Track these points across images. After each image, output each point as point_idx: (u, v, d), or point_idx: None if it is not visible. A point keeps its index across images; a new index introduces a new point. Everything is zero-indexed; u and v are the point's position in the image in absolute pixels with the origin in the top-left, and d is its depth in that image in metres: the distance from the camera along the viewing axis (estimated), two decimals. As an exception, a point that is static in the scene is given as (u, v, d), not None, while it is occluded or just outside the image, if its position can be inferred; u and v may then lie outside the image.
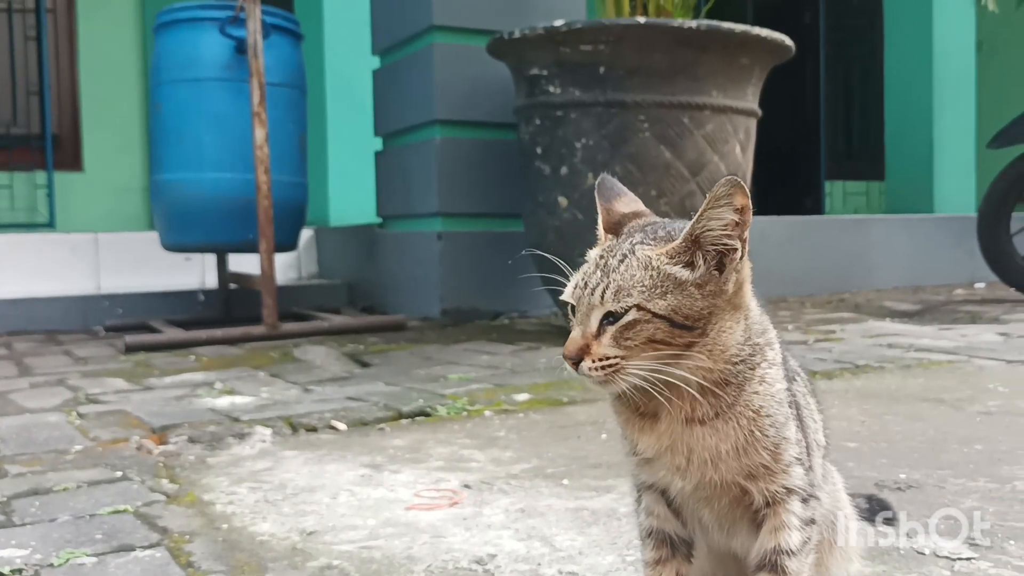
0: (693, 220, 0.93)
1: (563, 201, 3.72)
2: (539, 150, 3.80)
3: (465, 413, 2.57)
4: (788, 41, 3.76)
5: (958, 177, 7.15)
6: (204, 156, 4.21)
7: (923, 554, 1.44)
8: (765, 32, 3.66)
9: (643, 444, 0.99)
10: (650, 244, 0.95)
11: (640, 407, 0.98)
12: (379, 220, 5.03)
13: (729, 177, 0.92)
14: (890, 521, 1.48)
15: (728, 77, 3.69)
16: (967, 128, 7.15)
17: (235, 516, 1.68)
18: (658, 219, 1.03)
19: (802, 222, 6.03)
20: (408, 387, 2.89)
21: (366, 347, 3.78)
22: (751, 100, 3.83)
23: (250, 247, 4.16)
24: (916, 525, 1.56)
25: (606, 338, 0.93)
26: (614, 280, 0.93)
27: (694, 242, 0.93)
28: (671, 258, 0.93)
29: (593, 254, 0.99)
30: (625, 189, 1.09)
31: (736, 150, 3.77)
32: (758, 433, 0.96)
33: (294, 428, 2.40)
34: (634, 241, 0.96)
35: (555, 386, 2.88)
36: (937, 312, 4.99)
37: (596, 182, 1.09)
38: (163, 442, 2.26)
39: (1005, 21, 7.43)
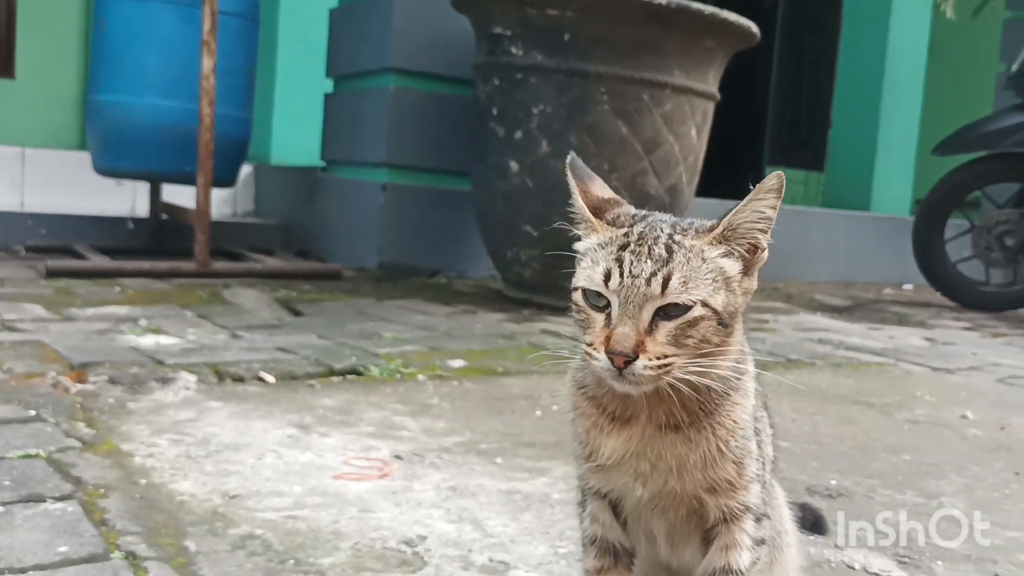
0: (735, 209, 0.90)
1: (514, 166, 3.65)
2: (495, 111, 3.72)
3: (398, 376, 2.51)
4: (754, 28, 3.73)
5: (897, 178, 7.26)
6: (146, 80, 4.03)
7: (853, 568, 1.45)
8: (733, 16, 3.62)
9: (608, 448, 0.95)
10: (683, 232, 0.90)
11: (613, 409, 0.94)
12: (322, 163, 4.90)
13: (778, 173, 0.89)
14: (821, 530, 1.48)
15: (692, 57, 3.65)
16: (911, 131, 7.25)
17: (154, 471, 1.61)
18: (639, 211, 0.98)
19: (743, 208, 6.06)
20: (340, 342, 2.82)
21: (299, 294, 3.68)
22: (711, 83, 3.80)
23: (186, 179, 4.01)
24: (846, 535, 1.57)
25: (662, 335, 0.86)
26: (677, 270, 0.87)
27: (731, 232, 0.90)
28: (717, 249, 0.89)
29: (602, 240, 0.92)
30: (592, 173, 1.02)
31: (692, 132, 3.74)
32: (730, 445, 0.93)
33: (220, 376, 2.32)
34: (667, 230, 0.90)
35: (490, 354, 2.85)
36: (866, 310, 5.08)
37: (568, 160, 1.01)
38: (81, 380, 2.16)
39: (958, 29, 7.53)
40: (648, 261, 0.87)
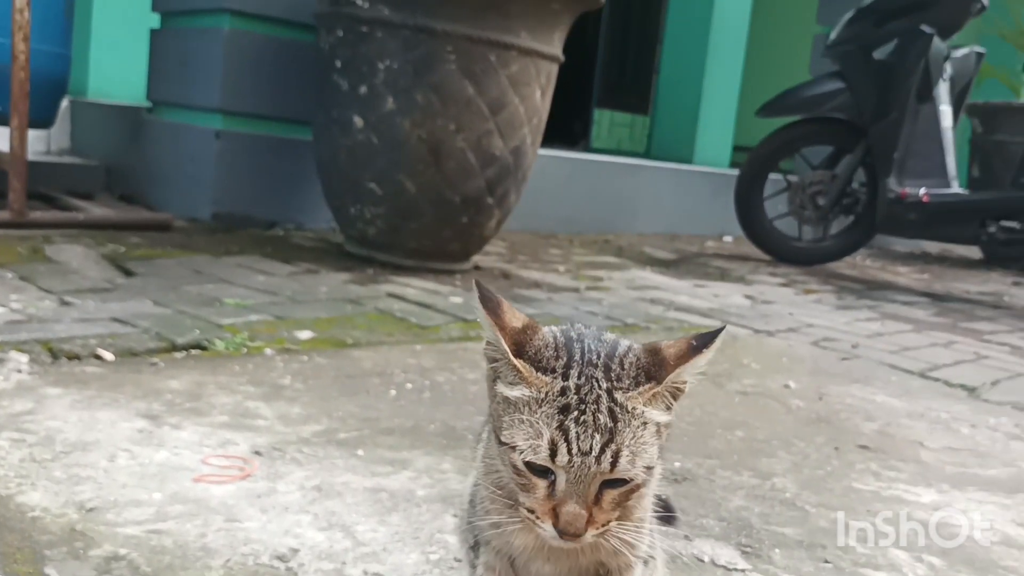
0: (679, 368, 0.88)
1: (359, 121, 3.58)
2: (338, 63, 3.62)
3: (245, 350, 2.45)
4: (601, -9, 3.77)
5: (718, 132, 7.56)
6: (-50, 13, 3.66)
7: (703, 561, 1.55)
8: (580, -20, 3.65)
9: (519, 542, 0.96)
10: (623, 388, 0.86)
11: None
12: (148, 103, 4.62)
13: (720, 328, 0.90)
14: (671, 522, 1.57)
15: (538, 20, 3.66)
16: (732, 86, 7.54)
17: (-2, 480, 1.52)
18: (556, 331, 0.93)
19: (577, 161, 6.18)
20: (180, 310, 2.71)
21: (128, 249, 3.50)
22: (556, 46, 3.83)
23: (-2, 119, 3.70)
24: (694, 525, 1.68)
25: (607, 502, 0.85)
26: (624, 445, 0.84)
27: (669, 386, 0.88)
28: (659, 404, 0.87)
29: (536, 395, 0.86)
30: (496, 295, 0.94)
31: (536, 94, 3.77)
32: (632, 536, 0.97)
33: (55, 355, 2.19)
34: (606, 386, 0.85)
35: (338, 323, 2.82)
36: (691, 264, 5.33)
37: (475, 290, 0.93)
38: None
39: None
40: (595, 435, 0.83)
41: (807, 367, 3.05)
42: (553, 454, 0.83)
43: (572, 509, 0.84)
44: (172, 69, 4.41)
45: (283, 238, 4.19)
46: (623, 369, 0.88)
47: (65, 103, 4.96)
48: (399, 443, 1.92)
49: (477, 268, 4.07)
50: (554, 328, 0.95)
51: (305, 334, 2.65)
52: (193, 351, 2.39)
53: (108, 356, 2.25)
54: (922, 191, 5.11)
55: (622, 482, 0.85)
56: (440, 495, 1.67)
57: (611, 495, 0.86)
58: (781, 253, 5.72)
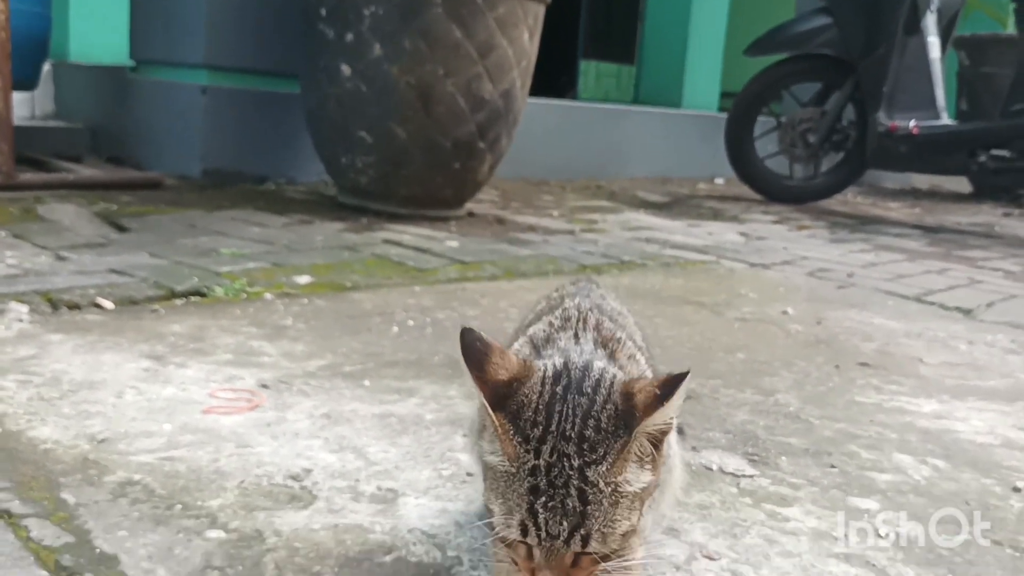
0: (644, 421, 0.83)
1: (346, 70, 3.55)
2: (323, 12, 3.58)
3: (244, 295, 2.45)
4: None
5: (706, 76, 7.52)
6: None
7: (711, 470, 1.57)
8: (564, -83, 3.61)
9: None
10: (595, 461, 0.82)
11: None
12: (131, 63, 4.57)
13: (685, 373, 0.86)
14: (679, 433, 1.59)
15: (524, -41, 3.62)
16: (719, 30, 7.49)
17: (8, 417, 1.52)
18: (547, 376, 0.88)
19: (566, 108, 6.15)
20: (177, 261, 2.71)
21: (120, 207, 3.48)
22: (543, -14, 3.79)
23: (-20, 82, 3.65)
24: (700, 438, 1.70)
25: (587, 563, 0.83)
26: (594, 528, 0.81)
27: (638, 438, 0.84)
28: (631, 470, 0.84)
29: (509, 469, 0.83)
30: (488, 340, 0.90)
31: (524, 36, 3.74)
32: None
33: (54, 305, 2.19)
34: (576, 463, 0.81)
35: (336, 268, 2.82)
36: (684, 206, 5.33)
37: (460, 340, 0.89)
38: None
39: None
40: (564, 521, 0.81)
41: (804, 295, 3.06)
42: (524, 533, 0.82)
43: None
44: (154, 26, 4.36)
45: (275, 192, 4.17)
46: (599, 432, 0.83)
47: (47, 67, 4.91)
48: (404, 374, 1.93)
49: (471, 214, 4.06)
50: (547, 370, 0.88)
51: (304, 279, 2.65)
52: (193, 298, 2.39)
53: (108, 304, 2.25)
54: (912, 123, 5.10)
55: (604, 559, 0.83)
56: (448, 419, 1.69)
57: (589, 558, 0.83)
58: (773, 192, 5.72)
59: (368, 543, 1.22)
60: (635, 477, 0.84)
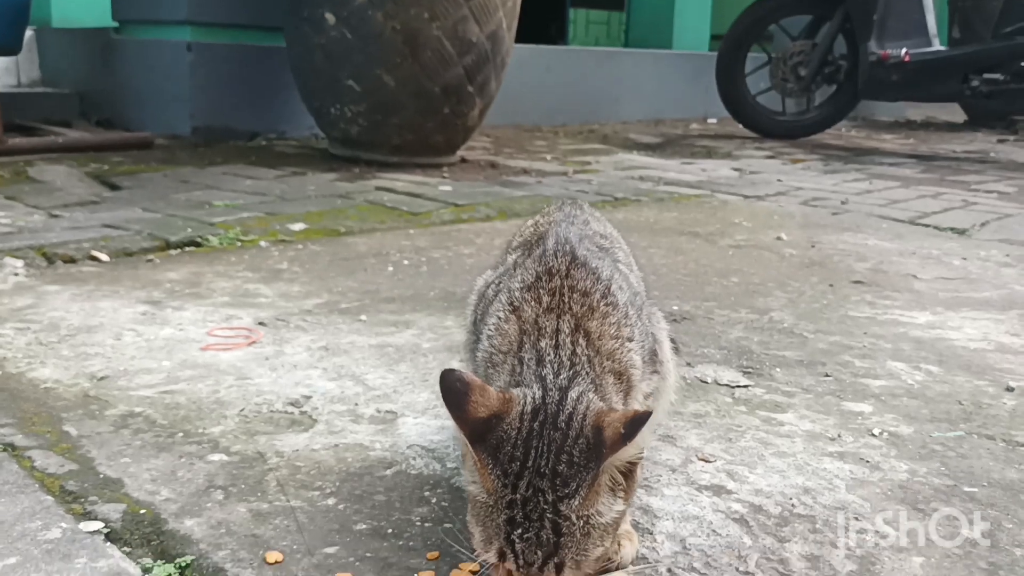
0: (608, 457, 0.84)
1: (331, 18, 3.52)
2: (304, -40, 3.54)
3: (239, 244, 2.46)
4: None
5: (695, 16, 7.45)
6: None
7: (706, 383, 1.59)
8: None
9: None
10: (567, 495, 0.84)
11: None
12: (114, 24, 4.53)
13: (648, 413, 0.86)
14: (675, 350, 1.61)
15: None
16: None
17: (7, 361, 1.54)
18: (526, 412, 0.88)
19: (555, 52, 6.10)
20: (170, 214, 2.71)
21: (111, 167, 3.47)
22: (525, -76, 3.75)
23: (-36, 48, 3.63)
24: (695, 354, 1.71)
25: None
26: (567, 557, 0.84)
27: (606, 470, 0.86)
28: (600, 501, 0.86)
29: (488, 500, 0.86)
30: (468, 375, 0.91)
31: (509, -25, 3.70)
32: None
33: (49, 259, 2.20)
34: (550, 498, 0.83)
35: (329, 215, 2.82)
36: (677, 146, 5.31)
37: (441, 382, 0.90)
38: None
39: None
40: (538, 551, 0.83)
41: (798, 222, 3.07)
42: (502, 559, 0.85)
43: None
44: (135, -15, 4.31)
45: (266, 147, 4.16)
46: (571, 467, 0.85)
47: (30, 33, 4.87)
48: (401, 308, 1.94)
49: (463, 161, 4.05)
50: (526, 405, 0.89)
51: (298, 226, 2.65)
52: (188, 248, 2.40)
53: (103, 257, 2.26)
54: (903, 51, 5.05)
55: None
56: (445, 346, 1.70)
57: (567, 571, 0.85)
58: (766, 128, 5.70)
59: (369, 460, 1.24)
60: (607, 508, 0.87)
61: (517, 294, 1.01)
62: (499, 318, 1.01)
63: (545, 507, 0.84)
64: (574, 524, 0.84)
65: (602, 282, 1.01)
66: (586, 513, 0.85)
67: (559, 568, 0.84)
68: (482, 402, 0.89)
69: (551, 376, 0.93)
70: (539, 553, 0.83)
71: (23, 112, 4.32)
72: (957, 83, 5.02)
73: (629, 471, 0.89)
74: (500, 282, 1.10)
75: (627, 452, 0.86)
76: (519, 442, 0.86)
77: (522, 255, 1.11)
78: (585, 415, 0.88)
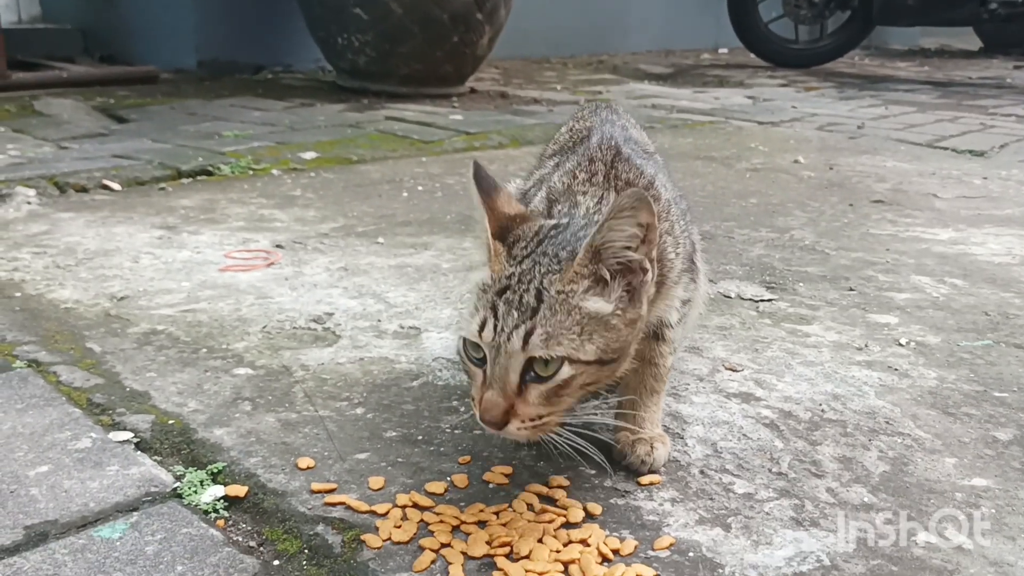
0: (594, 231, 0.85)
1: (335, -56, 3.44)
2: None
3: (251, 172, 2.43)
4: None
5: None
6: None
7: (730, 297, 1.57)
8: None
9: None
10: (556, 271, 0.85)
11: None
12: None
13: (635, 190, 0.84)
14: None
15: None
16: None
17: (26, 283, 1.53)
18: (547, 223, 0.91)
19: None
20: (180, 144, 2.68)
21: (117, 101, 3.43)
22: None
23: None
24: (717, 271, 1.70)
25: (533, 396, 0.84)
26: (539, 324, 0.83)
27: (595, 255, 0.85)
28: (584, 286, 0.85)
29: (489, 281, 0.88)
30: (497, 182, 0.95)
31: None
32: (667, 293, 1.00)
33: (61, 188, 2.18)
34: (542, 270, 0.86)
35: (341, 144, 2.79)
36: (688, 75, 5.23)
37: (472, 171, 0.93)
38: (-94, 205, 1.98)
39: None
40: (515, 312, 0.84)
41: (815, 146, 3.02)
42: (482, 328, 0.85)
43: (490, 396, 0.85)
44: (135, -85, 4.22)
45: (273, 80, 4.10)
46: (571, 255, 0.87)
47: (29, -33, 4.78)
48: (418, 231, 1.92)
49: (473, 91, 4.00)
50: (548, 221, 0.92)
51: (309, 155, 2.62)
52: (199, 177, 2.37)
53: (115, 186, 2.24)
54: (920, -26, 4.95)
55: (548, 377, 0.84)
56: (464, 266, 1.69)
57: (537, 389, 0.85)
58: (779, 57, 5.60)
59: (395, 372, 1.23)
60: (585, 295, 0.86)
61: (557, 184, 0.99)
62: (532, 196, 1.00)
63: (535, 276, 0.86)
64: (553, 297, 0.84)
65: (646, 176, 1.00)
66: (565, 289, 0.85)
67: (527, 336, 0.83)
68: (509, 203, 0.94)
69: (580, 216, 0.94)
70: (515, 315, 0.84)
71: (25, 48, 4.26)
72: (975, 6, 4.92)
73: (618, 273, 0.87)
74: (538, 185, 1.07)
75: (604, 232, 0.85)
76: (533, 239, 0.90)
77: (561, 160, 1.09)
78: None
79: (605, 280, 0.86)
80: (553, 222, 0.92)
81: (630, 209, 0.83)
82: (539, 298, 0.84)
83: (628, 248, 0.86)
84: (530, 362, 0.84)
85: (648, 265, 0.88)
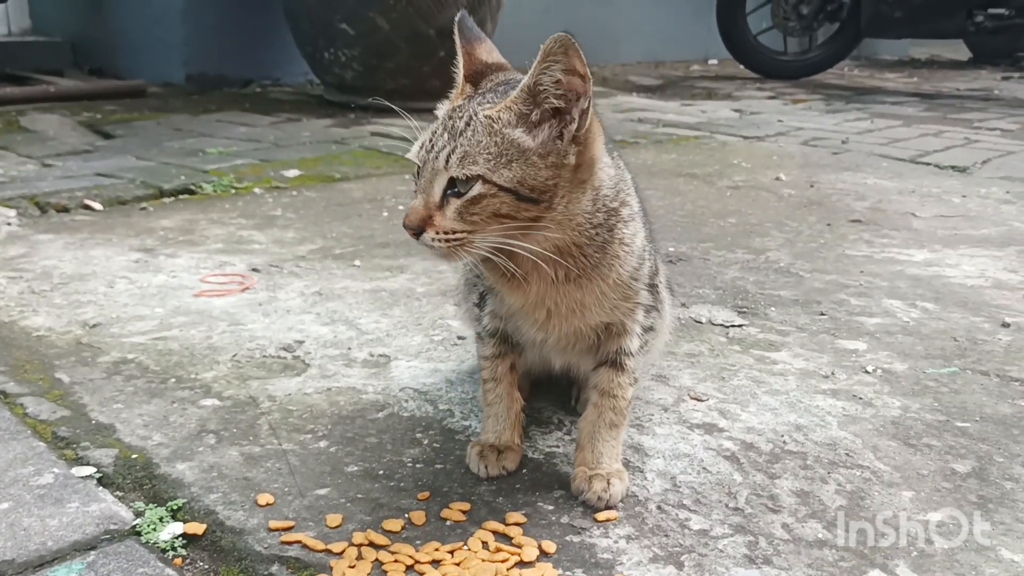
0: (529, 72, 0.89)
1: (322, -40, 3.46)
2: (293, -100, 3.47)
3: (233, 191, 2.44)
4: None
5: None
6: None
7: (701, 322, 1.58)
8: None
9: (511, 299, 1.01)
10: (492, 103, 0.91)
11: (507, 272, 0.96)
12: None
13: (561, 34, 0.87)
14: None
15: None
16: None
17: (1, 310, 1.54)
18: (518, 74, 0.96)
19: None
20: (163, 162, 2.69)
21: (104, 116, 3.44)
22: None
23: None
24: (690, 295, 1.71)
25: (450, 211, 0.90)
26: (460, 145, 0.89)
27: (531, 96, 0.89)
28: (511, 118, 0.89)
29: (443, 111, 0.94)
30: (482, 33, 1.02)
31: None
32: (620, 284, 0.99)
33: (42, 208, 2.19)
34: (482, 101, 0.93)
35: (325, 160, 2.80)
36: (677, 87, 5.24)
37: (457, 19, 1.00)
38: None
39: None
40: (446, 135, 0.91)
41: (797, 162, 3.04)
42: (420, 149, 0.94)
43: (414, 204, 0.92)
44: (123, -71, 4.23)
45: (260, 94, 4.11)
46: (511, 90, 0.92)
47: (19, -19, 4.79)
48: (395, 253, 1.93)
49: (460, 105, 4.00)
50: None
51: (292, 172, 2.63)
52: (181, 196, 2.38)
53: (96, 205, 2.25)
54: (907, -14, 4.96)
55: (464, 193, 0.89)
56: (439, 290, 1.69)
57: (454, 204, 0.90)
58: (767, 68, 5.62)
59: (361, 402, 1.24)
60: (510, 126, 0.90)
61: None
62: None
63: (474, 107, 0.92)
64: (480, 123, 0.90)
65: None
66: (491, 115, 0.90)
67: (449, 155, 0.89)
68: (490, 53, 1.01)
69: None
70: (445, 136, 0.91)
71: (13, 61, 4.27)
72: (962, 18, 4.94)
73: (552, 106, 0.90)
74: None
75: (541, 66, 0.88)
76: (498, 83, 0.96)
77: None
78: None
79: (535, 122, 0.91)
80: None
81: (560, 53, 0.88)
82: (468, 123, 0.91)
83: (555, 95, 0.90)
84: (452, 182, 0.89)
85: (576, 114, 0.91)
